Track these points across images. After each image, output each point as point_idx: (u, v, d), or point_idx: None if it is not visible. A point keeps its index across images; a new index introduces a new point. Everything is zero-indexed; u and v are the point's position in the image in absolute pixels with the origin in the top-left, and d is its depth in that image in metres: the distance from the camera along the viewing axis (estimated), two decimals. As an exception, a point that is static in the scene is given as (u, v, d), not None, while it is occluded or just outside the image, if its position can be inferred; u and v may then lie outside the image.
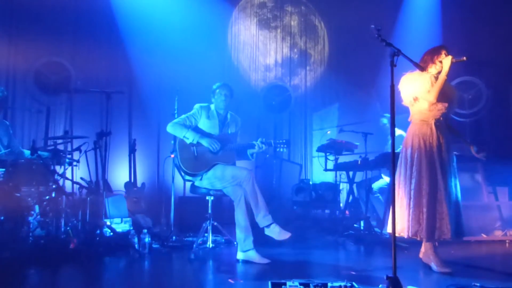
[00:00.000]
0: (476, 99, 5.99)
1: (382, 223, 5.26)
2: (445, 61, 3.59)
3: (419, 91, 3.63)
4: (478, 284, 2.95)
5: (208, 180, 4.16)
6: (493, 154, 5.59)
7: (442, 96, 3.61)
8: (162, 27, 6.42)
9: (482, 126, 6.33)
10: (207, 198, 4.39)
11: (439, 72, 3.62)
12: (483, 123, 6.25)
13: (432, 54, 3.68)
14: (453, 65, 3.60)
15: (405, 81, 3.69)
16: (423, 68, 3.46)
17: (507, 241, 5.01)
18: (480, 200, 5.36)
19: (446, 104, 3.65)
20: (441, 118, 3.67)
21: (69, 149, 5.18)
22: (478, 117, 6.02)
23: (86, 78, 6.08)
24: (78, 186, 4.87)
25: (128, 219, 4.92)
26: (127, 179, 5.85)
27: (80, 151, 4.94)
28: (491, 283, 3.00)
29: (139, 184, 5.82)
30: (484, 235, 5.07)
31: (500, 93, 6.32)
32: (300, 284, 2.68)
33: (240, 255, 3.89)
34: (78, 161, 4.96)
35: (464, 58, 3.55)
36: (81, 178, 5.01)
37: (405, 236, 3.60)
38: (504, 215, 5.27)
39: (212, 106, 4.36)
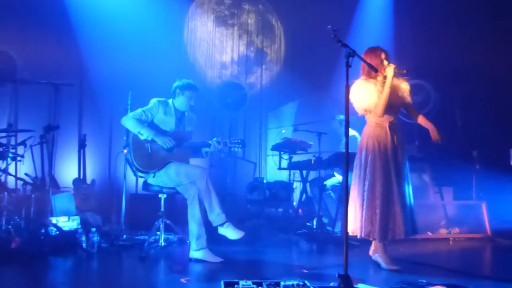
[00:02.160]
0: (425, 102, 6.20)
1: (334, 222, 5.36)
2: (388, 71, 3.61)
3: (367, 104, 3.67)
4: (424, 281, 3.05)
5: (161, 178, 4.07)
6: (439, 156, 5.85)
7: (394, 96, 3.69)
8: (116, 18, 6.18)
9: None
10: (160, 195, 4.29)
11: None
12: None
13: (373, 62, 3.58)
14: (403, 67, 3.68)
15: (354, 92, 3.66)
16: (376, 70, 3.51)
17: (451, 239, 5.23)
18: (426, 199, 5.56)
19: (397, 113, 3.76)
20: (395, 120, 3.76)
21: (12, 143, 4.93)
22: (426, 119, 6.22)
23: (34, 68, 5.76)
24: (22, 182, 4.64)
25: (76, 217, 4.73)
26: (76, 176, 5.63)
27: (25, 146, 4.71)
28: (436, 280, 3.11)
29: (88, 180, 5.62)
30: (430, 233, 5.27)
31: (447, 97, 6.59)
32: (253, 283, 2.66)
33: (192, 254, 3.84)
34: (22, 156, 4.71)
35: (405, 71, 3.62)
36: (26, 174, 4.78)
37: (358, 236, 3.67)
38: (448, 214, 5.50)
39: (170, 102, 4.26)
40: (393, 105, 3.70)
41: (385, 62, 3.67)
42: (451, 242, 5.15)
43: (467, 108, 6.75)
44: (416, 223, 3.73)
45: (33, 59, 5.83)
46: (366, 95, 3.65)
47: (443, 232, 5.32)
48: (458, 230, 5.32)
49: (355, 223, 3.66)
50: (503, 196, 5.48)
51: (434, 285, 2.94)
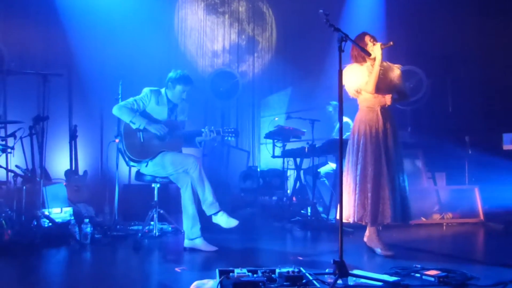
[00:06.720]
0: (417, 88, 6.18)
1: (328, 209, 5.36)
2: (376, 49, 3.60)
3: (359, 83, 3.68)
4: (419, 266, 3.06)
5: (154, 167, 4.04)
6: (432, 142, 5.87)
7: (386, 78, 3.68)
8: (105, 7, 6.05)
9: (422, 114, 6.57)
10: (153, 185, 4.26)
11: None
12: (423, 111, 6.50)
13: (359, 48, 3.55)
14: (394, 54, 3.67)
15: (345, 75, 3.65)
16: (369, 53, 3.50)
17: (444, 224, 5.27)
18: (419, 185, 5.59)
19: (390, 95, 3.73)
20: (386, 105, 3.74)
21: (2, 134, 4.86)
22: (419, 105, 6.23)
23: (21, 58, 5.65)
24: (12, 174, 4.58)
25: (69, 208, 4.70)
26: (68, 167, 5.58)
27: (15, 137, 4.63)
28: (430, 264, 3.12)
29: (81, 172, 5.57)
30: (424, 219, 5.30)
31: (439, 83, 6.59)
32: (248, 271, 2.65)
33: (187, 243, 3.82)
34: (12, 148, 4.64)
35: (391, 43, 3.59)
36: (16, 166, 4.72)
37: (351, 222, 3.68)
38: (441, 199, 5.53)
39: (163, 91, 4.20)
40: (383, 88, 3.69)
41: (370, 44, 3.65)
42: (444, 227, 5.18)
43: (459, 94, 6.76)
44: (410, 209, 3.72)
45: (20, 49, 5.69)
46: (358, 75, 3.67)
47: (436, 217, 5.36)
48: (451, 215, 5.36)
49: (348, 209, 3.67)
50: (495, 180, 5.50)
51: (428, 269, 2.95)
